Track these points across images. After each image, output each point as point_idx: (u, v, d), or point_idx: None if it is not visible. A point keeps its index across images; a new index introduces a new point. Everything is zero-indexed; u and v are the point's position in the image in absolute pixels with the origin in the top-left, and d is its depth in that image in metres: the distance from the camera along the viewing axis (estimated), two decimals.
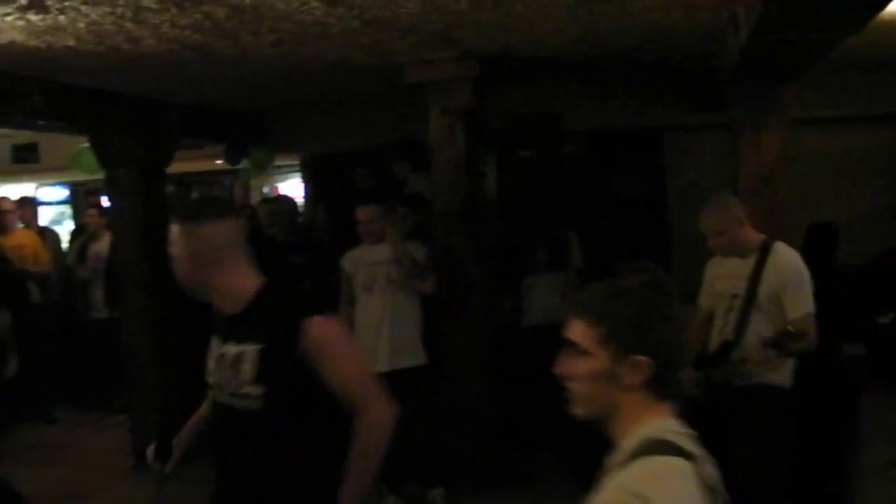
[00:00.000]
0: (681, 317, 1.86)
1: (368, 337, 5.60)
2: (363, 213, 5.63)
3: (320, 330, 2.61)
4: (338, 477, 2.60)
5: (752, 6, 3.75)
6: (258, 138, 9.02)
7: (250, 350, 2.63)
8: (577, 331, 1.86)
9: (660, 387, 1.82)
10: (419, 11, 4.53)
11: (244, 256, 2.75)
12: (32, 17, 4.21)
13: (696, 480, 1.71)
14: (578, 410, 1.88)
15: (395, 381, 5.54)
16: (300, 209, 9.11)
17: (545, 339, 6.38)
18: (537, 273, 6.72)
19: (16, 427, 7.92)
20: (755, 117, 5.31)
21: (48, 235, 9.21)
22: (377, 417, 2.63)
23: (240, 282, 2.71)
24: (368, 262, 5.67)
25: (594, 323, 1.83)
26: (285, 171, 13.46)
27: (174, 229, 2.69)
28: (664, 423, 1.82)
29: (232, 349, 2.69)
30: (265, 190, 14.55)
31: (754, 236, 4.41)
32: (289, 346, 2.57)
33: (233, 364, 2.67)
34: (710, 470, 1.79)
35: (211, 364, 2.81)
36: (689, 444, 1.79)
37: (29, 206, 9.21)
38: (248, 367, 2.63)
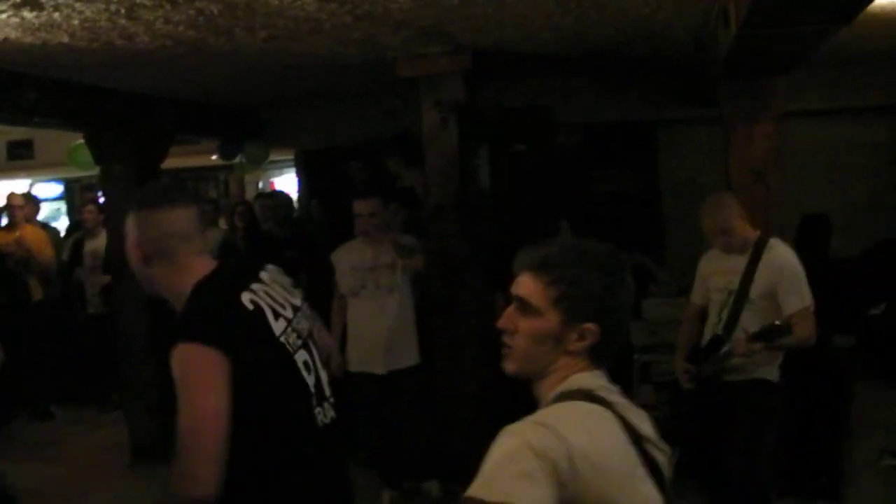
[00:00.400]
0: (626, 286, 1.82)
1: (360, 341, 5.61)
2: (363, 206, 5.52)
3: (176, 359, 2.27)
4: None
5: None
6: (253, 133, 9.03)
7: None
8: (530, 288, 1.81)
9: (599, 354, 1.79)
10: (411, 6, 4.55)
11: (194, 251, 2.49)
12: (27, 14, 4.23)
13: (616, 424, 1.67)
14: (511, 367, 1.85)
15: (391, 382, 5.57)
16: (294, 204, 9.13)
17: None
18: None
19: (12, 424, 7.95)
20: (747, 111, 5.33)
21: (50, 232, 9.23)
22: (185, 485, 2.22)
23: (184, 279, 2.44)
24: (356, 267, 5.60)
25: (550, 283, 1.79)
26: (280, 166, 13.47)
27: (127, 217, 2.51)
28: (590, 378, 1.78)
29: None
30: (260, 185, 14.57)
31: (751, 233, 4.45)
32: None
33: None
34: (638, 421, 1.75)
35: None
36: (613, 397, 1.75)
37: (32, 202, 9.22)
38: None
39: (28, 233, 8.30)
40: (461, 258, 5.97)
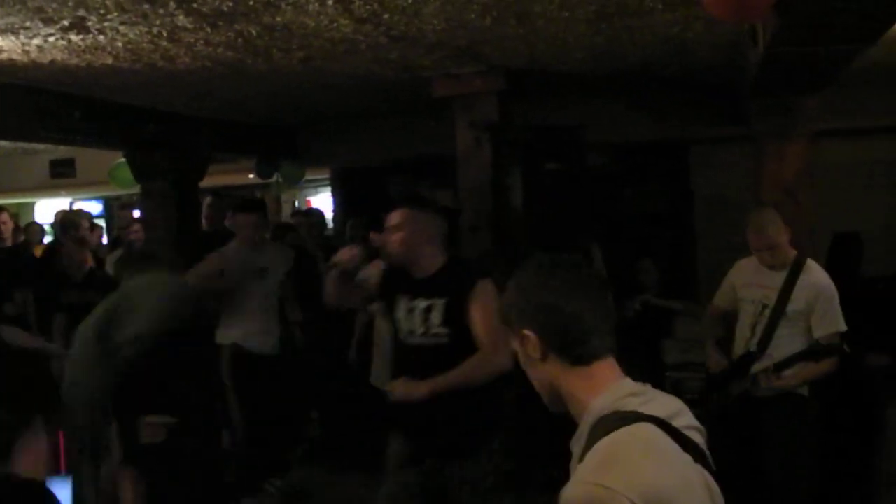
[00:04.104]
0: (563, 281, 1.82)
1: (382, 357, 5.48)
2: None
3: (482, 290, 3.68)
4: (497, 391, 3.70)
5: (768, 19, 3.80)
6: (289, 153, 9.15)
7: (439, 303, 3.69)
8: None
9: (565, 352, 1.79)
10: (445, 27, 4.64)
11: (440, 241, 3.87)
12: (73, 37, 4.38)
13: (664, 439, 1.66)
14: (546, 402, 1.89)
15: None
16: (328, 222, 9.21)
17: None
18: None
19: None
20: (777, 129, 5.35)
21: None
22: (492, 359, 3.50)
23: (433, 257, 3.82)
24: None
25: (503, 316, 1.91)
26: (316, 185, 13.60)
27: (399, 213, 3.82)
28: (614, 390, 1.76)
29: (422, 303, 3.73)
30: (297, 203, 14.70)
31: (791, 251, 4.47)
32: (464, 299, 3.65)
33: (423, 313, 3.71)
34: (673, 413, 1.75)
35: (400, 315, 3.82)
36: (644, 401, 1.74)
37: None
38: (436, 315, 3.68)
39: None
40: (494, 276, 5.99)
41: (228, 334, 5.71)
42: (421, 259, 3.84)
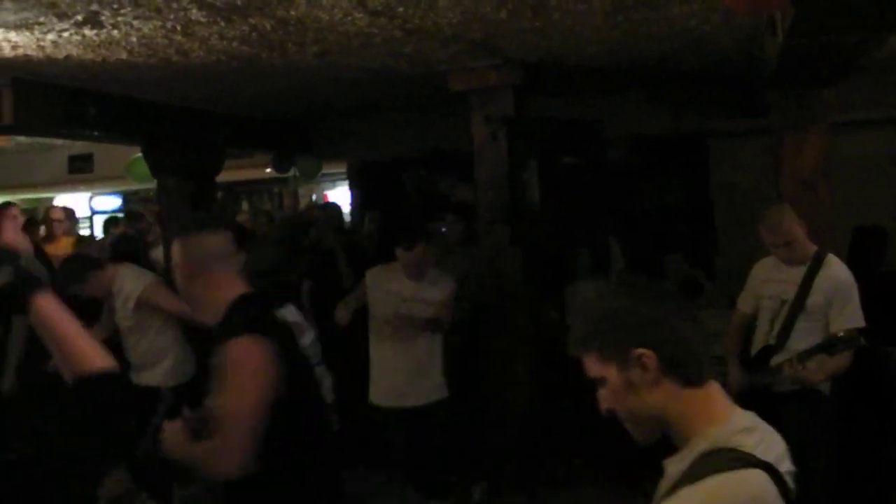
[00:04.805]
0: (666, 299, 1.81)
1: (388, 374, 5.16)
2: (409, 256, 4.95)
3: (230, 353, 2.52)
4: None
5: (786, 9, 3.76)
6: (305, 147, 9.15)
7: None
8: (587, 365, 1.82)
9: (680, 371, 1.73)
10: (460, 21, 4.62)
11: (231, 269, 2.79)
12: (88, 31, 4.39)
13: (770, 491, 1.63)
14: (637, 436, 1.80)
15: (419, 416, 5.15)
16: (346, 216, 9.18)
17: None
18: (580, 280, 6.74)
19: None
20: (796, 121, 5.30)
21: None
22: (218, 462, 2.50)
23: (222, 294, 2.71)
24: (391, 293, 5.10)
25: (588, 350, 1.80)
26: (333, 179, 13.58)
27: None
28: (730, 421, 1.72)
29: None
30: (314, 198, 14.69)
31: (810, 245, 4.43)
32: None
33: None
34: (787, 463, 1.72)
35: None
36: (755, 441, 1.69)
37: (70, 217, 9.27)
38: None
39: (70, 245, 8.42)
40: (512, 272, 6.00)
41: None
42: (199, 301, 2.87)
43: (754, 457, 1.65)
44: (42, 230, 8.18)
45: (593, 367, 1.80)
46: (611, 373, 1.76)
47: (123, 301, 4.97)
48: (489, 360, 6.05)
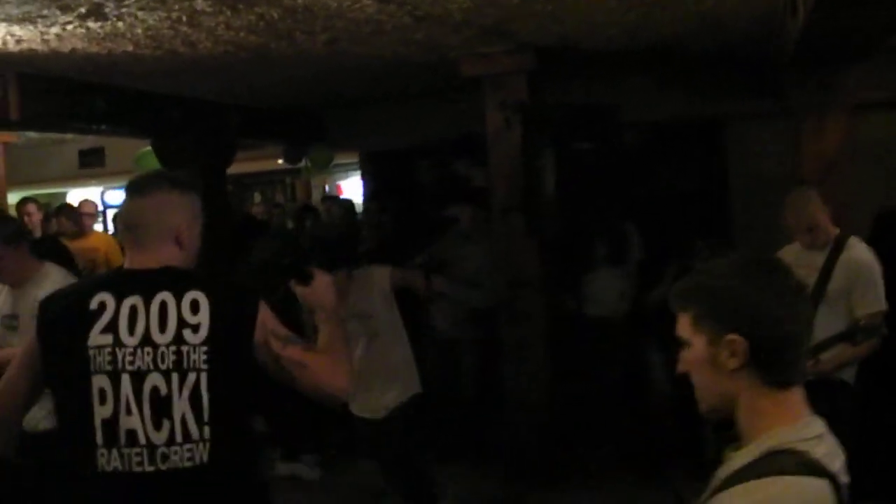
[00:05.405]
0: (786, 291, 1.69)
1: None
2: None
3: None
4: None
5: None
6: (317, 137, 9.07)
7: None
8: (679, 323, 1.77)
9: (767, 369, 1.66)
10: (471, 6, 4.52)
11: None
12: (92, 24, 4.32)
13: (828, 503, 1.58)
14: (702, 407, 1.76)
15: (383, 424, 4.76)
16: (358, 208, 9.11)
17: (604, 334, 6.33)
18: (597, 267, 6.65)
19: None
20: (817, 102, 5.22)
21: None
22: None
23: None
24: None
25: (686, 308, 1.75)
26: (346, 169, 13.55)
27: None
28: (795, 428, 1.65)
29: None
30: (327, 188, 14.66)
31: (832, 229, 4.35)
32: None
33: None
34: (846, 475, 1.65)
35: None
36: (823, 453, 1.63)
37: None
38: None
39: (100, 240, 8.40)
40: (527, 258, 5.92)
41: None
42: None
43: (822, 466, 1.60)
44: (54, 224, 8.16)
45: (684, 327, 1.76)
46: (698, 342, 1.72)
47: None
48: (503, 353, 5.97)
